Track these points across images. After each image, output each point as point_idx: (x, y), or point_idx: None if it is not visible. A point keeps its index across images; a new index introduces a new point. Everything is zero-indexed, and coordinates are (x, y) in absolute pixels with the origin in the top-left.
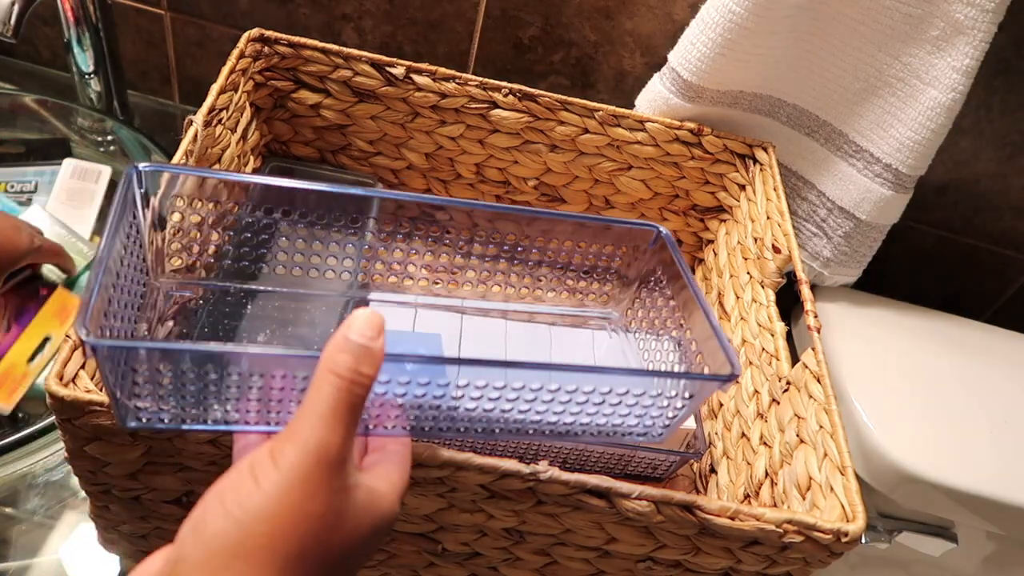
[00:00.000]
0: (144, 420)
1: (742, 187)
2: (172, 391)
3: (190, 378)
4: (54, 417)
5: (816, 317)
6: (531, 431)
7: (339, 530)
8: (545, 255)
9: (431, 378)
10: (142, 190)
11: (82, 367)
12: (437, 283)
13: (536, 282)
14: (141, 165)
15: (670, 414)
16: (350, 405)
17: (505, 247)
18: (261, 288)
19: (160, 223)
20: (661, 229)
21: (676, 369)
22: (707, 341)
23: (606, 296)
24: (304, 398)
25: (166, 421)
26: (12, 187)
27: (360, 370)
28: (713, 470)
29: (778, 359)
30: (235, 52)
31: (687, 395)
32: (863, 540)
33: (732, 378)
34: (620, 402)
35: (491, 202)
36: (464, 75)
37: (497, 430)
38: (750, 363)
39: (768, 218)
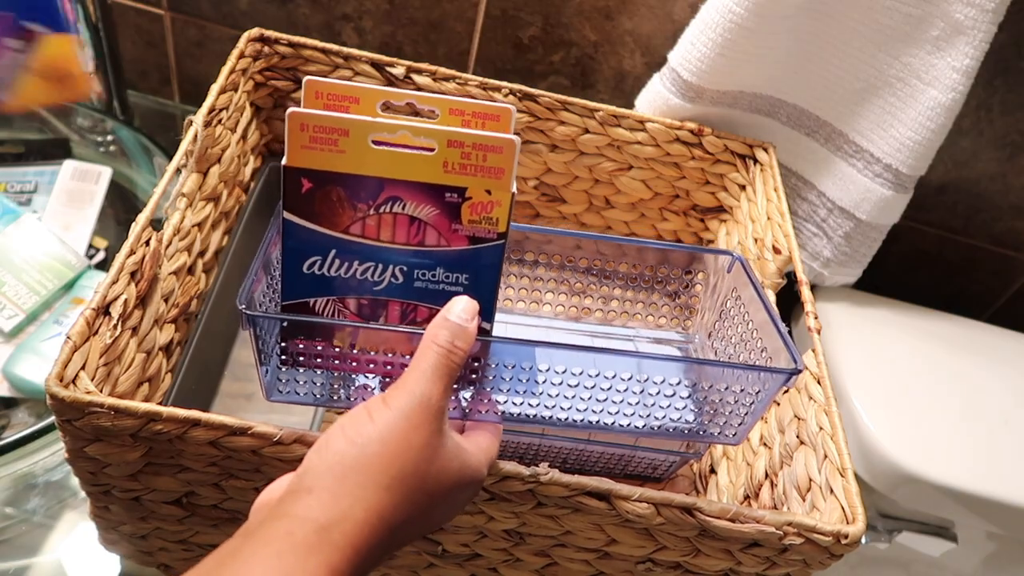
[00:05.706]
0: (283, 393)
1: (742, 187)
2: (307, 369)
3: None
4: (54, 417)
5: (816, 318)
6: (616, 425)
7: (432, 464)
8: (629, 279)
9: (518, 362)
10: None
11: (82, 368)
12: (533, 302)
13: (622, 304)
14: None
15: (740, 411)
16: (447, 368)
17: (593, 271)
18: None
19: None
20: (735, 254)
21: None
22: (776, 349)
23: (687, 317)
24: (411, 362)
25: (301, 395)
26: (12, 187)
27: (455, 342)
28: (713, 471)
29: None
30: (235, 52)
31: (755, 391)
32: (863, 540)
33: (796, 372)
34: (704, 397)
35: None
36: (464, 75)
37: (580, 421)
38: None
39: (768, 218)
